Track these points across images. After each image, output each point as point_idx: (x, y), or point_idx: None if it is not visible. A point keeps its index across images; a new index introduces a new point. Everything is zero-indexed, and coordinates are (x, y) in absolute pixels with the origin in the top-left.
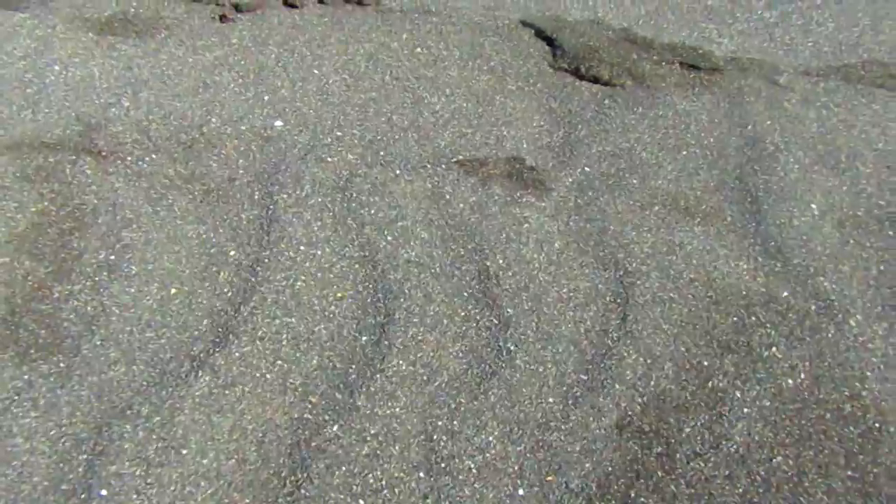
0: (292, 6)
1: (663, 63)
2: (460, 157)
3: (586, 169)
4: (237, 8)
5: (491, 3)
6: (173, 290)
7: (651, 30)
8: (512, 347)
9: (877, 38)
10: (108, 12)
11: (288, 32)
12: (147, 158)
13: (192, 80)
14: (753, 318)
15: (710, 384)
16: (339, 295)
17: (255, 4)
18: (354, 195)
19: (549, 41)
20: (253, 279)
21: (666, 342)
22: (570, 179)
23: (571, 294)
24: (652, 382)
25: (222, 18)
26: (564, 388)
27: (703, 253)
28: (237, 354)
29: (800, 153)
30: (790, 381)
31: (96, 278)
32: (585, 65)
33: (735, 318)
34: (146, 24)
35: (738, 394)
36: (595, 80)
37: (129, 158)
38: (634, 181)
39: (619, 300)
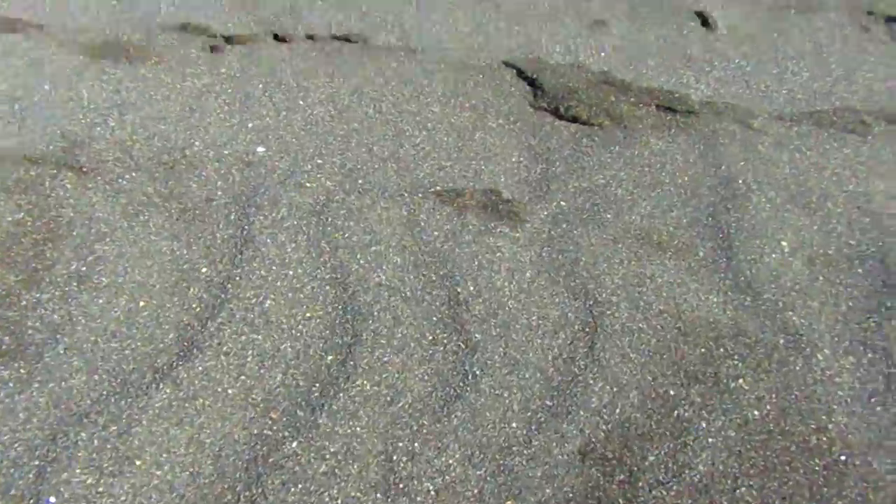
0: (282, 40)
1: (641, 105)
2: (438, 188)
3: (562, 203)
4: (228, 40)
5: (475, 45)
6: (142, 303)
7: (630, 74)
8: (478, 372)
9: (850, 88)
10: (101, 38)
11: (276, 65)
12: (127, 176)
13: (178, 105)
14: (721, 350)
15: (675, 413)
16: (307, 315)
17: (245, 37)
18: (330, 219)
19: (531, 82)
20: (223, 296)
21: (633, 371)
22: (546, 212)
23: (541, 322)
24: (617, 410)
25: (213, 49)
26: (529, 414)
27: (673, 286)
28: (200, 368)
29: (772, 193)
30: (756, 413)
31: (66, 288)
32: (565, 105)
33: (703, 350)
34: (137, 51)
35: (703, 424)
36: (574, 120)
37: (109, 175)
38: (609, 216)
39: (587, 329)
